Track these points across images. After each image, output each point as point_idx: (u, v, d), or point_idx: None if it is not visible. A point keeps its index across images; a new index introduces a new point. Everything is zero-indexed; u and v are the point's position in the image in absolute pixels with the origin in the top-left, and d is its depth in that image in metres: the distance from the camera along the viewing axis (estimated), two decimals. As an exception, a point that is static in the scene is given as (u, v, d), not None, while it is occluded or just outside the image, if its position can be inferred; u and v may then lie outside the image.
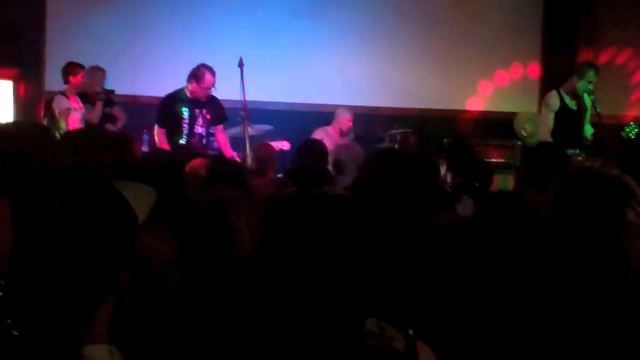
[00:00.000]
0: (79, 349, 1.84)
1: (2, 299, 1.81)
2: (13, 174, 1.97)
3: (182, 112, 6.94)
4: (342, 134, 8.27)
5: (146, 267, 2.05)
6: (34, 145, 2.16)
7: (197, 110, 6.99)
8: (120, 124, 7.92)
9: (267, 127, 7.70)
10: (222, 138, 7.19)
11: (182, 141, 6.95)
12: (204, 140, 7.06)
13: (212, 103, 7.06)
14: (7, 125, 2.63)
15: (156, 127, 7.03)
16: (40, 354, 1.84)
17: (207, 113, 7.03)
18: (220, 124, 7.16)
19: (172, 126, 6.95)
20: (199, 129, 7.01)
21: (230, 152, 7.03)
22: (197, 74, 6.88)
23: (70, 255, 1.83)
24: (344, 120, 8.34)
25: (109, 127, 7.70)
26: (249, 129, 7.01)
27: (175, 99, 7.00)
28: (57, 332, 1.84)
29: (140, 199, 2.20)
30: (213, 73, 6.88)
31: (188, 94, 6.97)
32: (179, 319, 1.89)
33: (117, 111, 7.94)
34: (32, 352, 1.83)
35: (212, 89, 6.94)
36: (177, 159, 4.17)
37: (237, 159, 6.69)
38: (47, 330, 1.84)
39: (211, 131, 7.16)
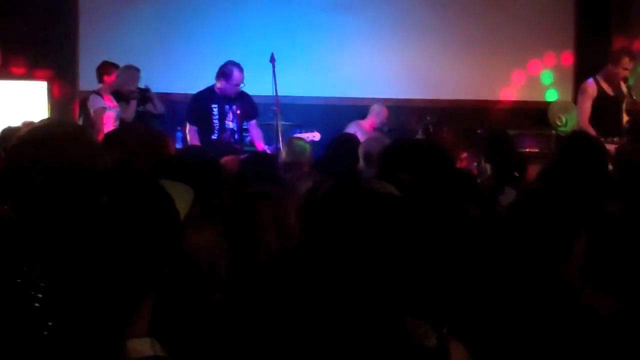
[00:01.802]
0: (122, 342, 1.87)
1: (42, 304, 1.84)
2: (59, 176, 1.98)
3: (212, 109, 7.00)
4: (375, 129, 8.27)
5: (193, 263, 2.07)
6: (73, 148, 2.16)
7: (227, 107, 7.04)
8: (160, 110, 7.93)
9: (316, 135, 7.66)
10: (255, 133, 7.23)
11: (214, 137, 7.01)
12: (236, 135, 7.10)
13: (242, 99, 7.10)
14: (45, 127, 2.63)
15: (187, 125, 7.11)
16: (85, 346, 1.87)
17: (238, 109, 7.07)
18: (252, 119, 7.21)
19: (203, 123, 7.02)
20: (230, 124, 7.06)
21: (262, 147, 7.06)
22: (225, 71, 6.93)
23: (116, 252, 1.86)
24: (381, 116, 8.37)
25: (150, 107, 7.73)
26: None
27: (204, 96, 7.06)
28: (102, 326, 1.87)
29: (179, 197, 2.22)
30: (241, 70, 6.92)
31: (217, 92, 7.02)
32: (221, 313, 1.90)
33: (156, 101, 7.94)
34: (78, 344, 1.86)
35: (241, 85, 6.97)
36: (211, 154, 4.19)
37: (268, 152, 6.72)
38: (93, 324, 1.86)
39: (245, 127, 7.20)
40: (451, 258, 2.46)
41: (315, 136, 7.40)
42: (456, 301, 2.21)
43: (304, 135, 7.01)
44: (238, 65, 6.93)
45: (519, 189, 4.31)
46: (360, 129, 8.04)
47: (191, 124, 7.07)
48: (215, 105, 7.01)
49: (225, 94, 6.99)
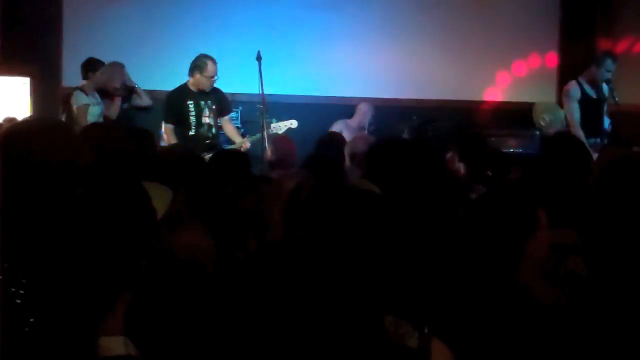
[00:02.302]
0: (95, 339, 1.86)
1: (23, 300, 1.83)
2: (35, 170, 1.98)
3: (187, 105, 6.99)
4: (362, 128, 8.28)
5: (180, 263, 2.06)
6: (54, 142, 2.16)
7: (203, 102, 7.03)
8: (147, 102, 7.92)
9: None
10: (230, 128, 7.25)
11: (192, 133, 6.99)
12: (213, 130, 7.09)
13: (216, 94, 7.12)
14: (25, 123, 2.63)
15: (163, 124, 7.09)
16: (57, 344, 1.86)
17: (213, 104, 7.06)
18: (226, 114, 7.23)
19: (180, 120, 7.01)
20: (206, 120, 7.05)
21: (238, 140, 7.08)
22: (198, 64, 6.94)
23: (89, 246, 1.85)
24: (368, 115, 8.37)
25: (137, 100, 7.71)
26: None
27: (179, 93, 7.06)
28: (74, 323, 1.86)
29: (157, 196, 2.22)
30: (214, 61, 6.94)
31: (192, 87, 7.01)
32: (202, 312, 1.90)
33: (143, 95, 7.92)
34: (50, 342, 1.85)
35: (215, 77, 6.96)
36: (192, 150, 4.18)
37: (246, 146, 6.79)
38: (65, 321, 1.85)
39: (219, 124, 7.18)
40: (432, 257, 2.46)
41: (292, 124, 7.36)
42: (438, 300, 2.20)
43: (281, 125, 7.04)
44: (211, 57, 6.94)
45: (491, 187, 4.34)
46: (346, 128, 8.04)
47: (167, 122, 7.05)
48: (191, 102, 7.00)
49: (200, 89, 6.99)
